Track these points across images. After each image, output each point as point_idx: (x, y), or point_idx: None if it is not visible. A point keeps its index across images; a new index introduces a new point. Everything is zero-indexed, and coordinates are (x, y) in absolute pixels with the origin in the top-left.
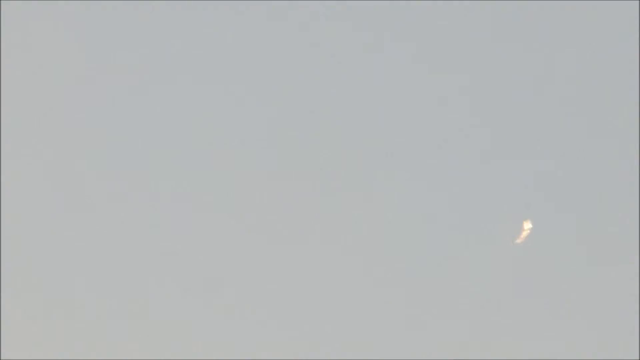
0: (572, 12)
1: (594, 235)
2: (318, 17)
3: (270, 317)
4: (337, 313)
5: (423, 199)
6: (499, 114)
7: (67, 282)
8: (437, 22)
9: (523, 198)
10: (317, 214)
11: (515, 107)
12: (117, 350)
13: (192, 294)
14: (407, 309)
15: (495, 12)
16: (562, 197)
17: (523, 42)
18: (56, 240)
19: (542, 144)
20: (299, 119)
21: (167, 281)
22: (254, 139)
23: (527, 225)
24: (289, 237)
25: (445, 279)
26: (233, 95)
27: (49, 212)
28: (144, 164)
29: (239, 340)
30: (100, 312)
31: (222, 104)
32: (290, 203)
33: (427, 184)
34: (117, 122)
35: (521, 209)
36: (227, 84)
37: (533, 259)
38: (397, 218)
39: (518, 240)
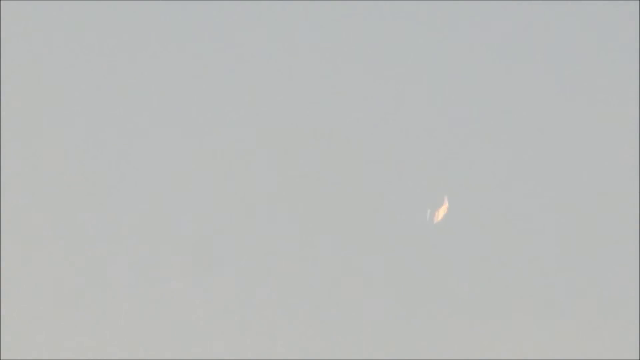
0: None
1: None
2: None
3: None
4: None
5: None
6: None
7: (68, 281)
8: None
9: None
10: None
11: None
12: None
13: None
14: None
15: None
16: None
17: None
18: (57, 239)
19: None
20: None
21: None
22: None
23: (445, 205)
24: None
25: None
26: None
27: (49, 211)
28: (145, 163)
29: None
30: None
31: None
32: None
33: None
34: (117, 124)
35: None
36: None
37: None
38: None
39: (436, 220)
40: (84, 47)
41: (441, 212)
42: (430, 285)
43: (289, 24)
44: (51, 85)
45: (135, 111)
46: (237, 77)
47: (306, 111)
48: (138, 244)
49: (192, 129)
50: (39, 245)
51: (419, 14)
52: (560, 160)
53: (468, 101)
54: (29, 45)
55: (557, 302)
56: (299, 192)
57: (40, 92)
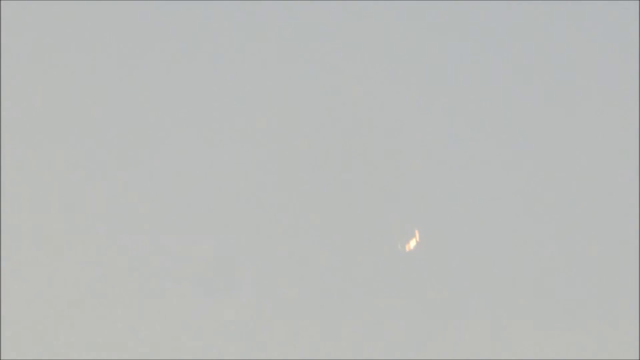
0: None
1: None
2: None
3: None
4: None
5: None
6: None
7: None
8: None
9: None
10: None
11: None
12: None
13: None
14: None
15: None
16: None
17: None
18: (56, 237)
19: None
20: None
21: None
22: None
23: (417, 235)
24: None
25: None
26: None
27: (49, 210)
28: (143, 164)
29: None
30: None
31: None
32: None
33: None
34: (117, 124)
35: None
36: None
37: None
38: None
39: (407, 249)
40: (85, 47)
41: (412, 243)
42: (429, 287)
43: (287, 23)
44: (54, 89)
45: (152, 121)
46: (260, 92)
47: (330, 130)
48: (153, 261)
49: (207, 143)
50: (46, 256)
51: (416, 14)
52: (560, 162)
53: (467, 101)
54: (29, 45)
55: (556, 302)
56: (317, 206)
57: (42, 94)
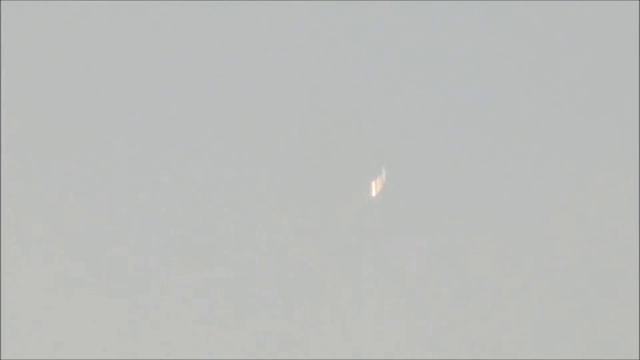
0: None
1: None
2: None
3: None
4: None
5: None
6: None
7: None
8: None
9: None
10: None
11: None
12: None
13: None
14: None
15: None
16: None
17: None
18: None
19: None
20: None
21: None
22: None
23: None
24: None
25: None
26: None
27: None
28: (140, 163)
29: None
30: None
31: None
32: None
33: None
34: (115, 123)
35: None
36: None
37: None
38: None
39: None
40: (82, 47)
41: (378, 185)
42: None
43: (278, 22)
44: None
45: (122, 109)
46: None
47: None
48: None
49: (180, 126)
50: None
51: (411, 13)
52: (558, 163)
53: (464, 101)
54: (29, 45)
55: (556, 301)
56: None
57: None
